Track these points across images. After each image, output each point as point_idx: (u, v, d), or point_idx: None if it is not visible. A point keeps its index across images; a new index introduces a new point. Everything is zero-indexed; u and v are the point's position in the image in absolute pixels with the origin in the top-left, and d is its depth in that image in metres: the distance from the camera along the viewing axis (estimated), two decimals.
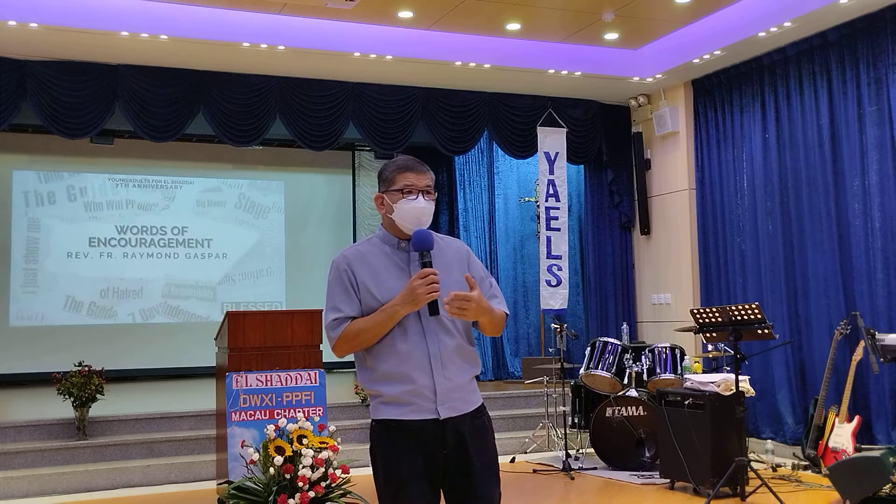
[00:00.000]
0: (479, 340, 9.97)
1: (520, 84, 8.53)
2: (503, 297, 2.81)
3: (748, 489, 5.61)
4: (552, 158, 8.86)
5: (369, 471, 2.74)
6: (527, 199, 9.99)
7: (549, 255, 8.83)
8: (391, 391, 2.59)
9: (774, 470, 6.49)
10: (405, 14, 7.24)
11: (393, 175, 2.68)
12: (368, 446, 2.73)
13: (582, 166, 9.55)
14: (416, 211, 2.63)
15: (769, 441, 7.06)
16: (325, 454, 4.88)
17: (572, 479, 6.46)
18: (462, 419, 2.61)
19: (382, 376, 2.61)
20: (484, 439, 2.66)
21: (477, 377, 2.75)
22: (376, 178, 2.79)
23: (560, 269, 8.82)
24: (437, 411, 2.56)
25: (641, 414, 6.67)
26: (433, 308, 2.53)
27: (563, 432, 7.01)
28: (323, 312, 2.72)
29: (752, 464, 5.68)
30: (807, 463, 6.34)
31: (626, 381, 6.91)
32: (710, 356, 6.89)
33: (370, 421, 2.70)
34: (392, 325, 2.57)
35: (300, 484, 4.73)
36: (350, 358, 2.84)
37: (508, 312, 2.74)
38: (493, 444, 2.70)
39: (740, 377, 5.70)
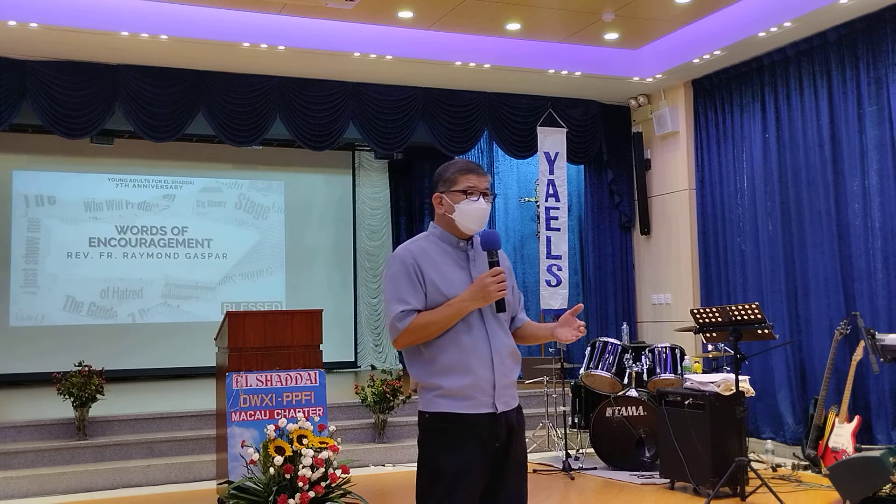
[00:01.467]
0: None
1: (520, 84, 8.53)
2: None
3: (748, 489, 5.61)
4: (552, 158, 8.86)
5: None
6: (527, 199, 9.99)
7: (549, 255, 8.83)
8: (452, 384, 2.63)
9: (774, 470, 6.49)
10: (405, 14, 7.24)
11: (455, 176, 2.74)
12: (416, 439, 2.76)
13: (582, 166, 9.55)
14: (479, 212, 2.72)
15: (769, 441, 7.05)
16: (325, 454, 4.88)
17: (572, 479, 6.46)
18: (512, 413, 2.72)
19: (443, 368, 2.64)
20: (523, 435, 2.80)
21: None
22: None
23: (560, 269, 8.83)
24: (494, 405, 2.65)
25: (641, 414, 6.67)
26: (500, 305, 2.65)
27: (563, 432, 7.01)
28: (387, 303, 2.74)
29: (752, 464, 5.68)
30: (807, 463, 6.34)
31: (626, 381, 6.91)
32: (710, 356, 6.89)
33: (420, 413, 2.72)
34: (458, 319, 2.63)
35: (300, 484, 4.73)
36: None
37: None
38: (525, 440, 2.85)
39: (740, 377, 5.70)
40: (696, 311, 5.92)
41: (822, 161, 7.08)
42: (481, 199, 2.72)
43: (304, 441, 4.90)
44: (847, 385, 6.11)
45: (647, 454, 6.64)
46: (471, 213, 2.71)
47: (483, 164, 10.28)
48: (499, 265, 2.66)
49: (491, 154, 10.26)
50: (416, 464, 2.74)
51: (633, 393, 6.75)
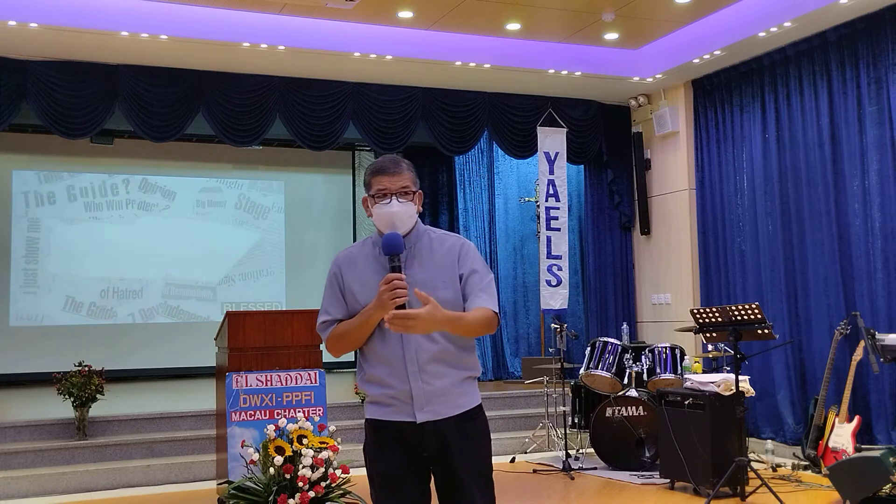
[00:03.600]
0: (479, 340, 9.95)
1: (520, 84, 8.53)
2: (496, 294, 2.70)
3: (748, 489, 5.61)
4: (552, 158, 8.86)
5: None
6: (527, 199, 9.99)
7: (549, 255, 8.83)
8: (375, 392, 2.63)
9: (774, 470, 6.49)
10: (405, 14, 7.24)
11: (368, 179, 2.65)
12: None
13: (582, 166, 9.55)
14: (388, 215, 2.59)
15: (769, 441, 7.06)
16: (325, 454, 4.88)
17: (572, 479, 6.46)
18: (445, 423, 2.57)
19: (368, 378, 2.65)
20: (472, 445, 2.62)
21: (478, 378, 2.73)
22: None
23: (560, 269, 8.83)
24: (414, 415, 2.56)
25: (641, 414, 6.67)
26: None
27: (563, 432, 7.01)
28: None
29: (752, 464, 5.68)
30: (807, 463, 6.34)
31: (626, 381, 6.91)
32: (710, 356, 6.89)
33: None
34: (369, 328, 2.56)
35: (300, 484, 4.73)
36: (350, 358, 2.88)
37: (496, 311, 2.63)
38: (484, 449, 2.66)
39: (740, 377, 5.70)
40: (696, 311, 5.92)
41: (822, 161, 7.08)
42: (394, 200, 2.58)
43: (304, 441, 4.90)
44: (847, 385, 6.11)
45: (647, 454, 6.64)
46: (382, 217, 2.60)
47: (483, 164, 10.28)
48: (400, 270, 2.48)
49: (491, 154, 10.26)
50: None
51: (633, 393, 6.75)
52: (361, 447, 2.75)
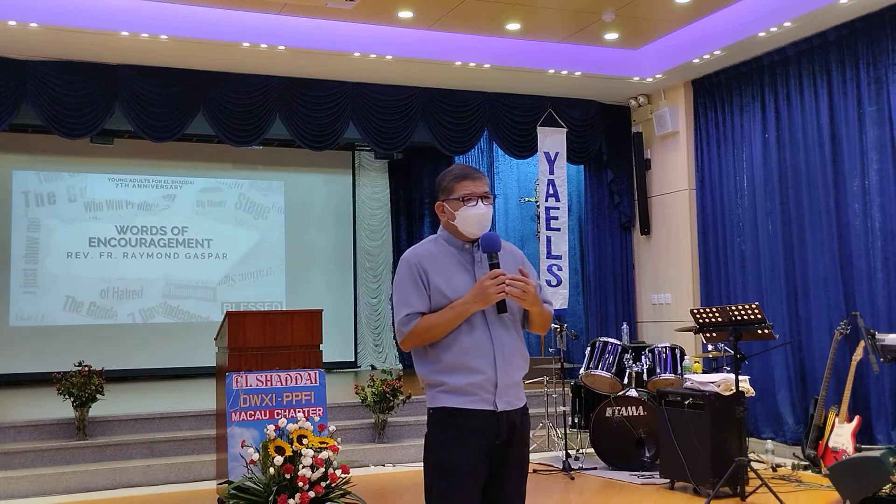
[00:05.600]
0: None
1: (520, 84, 8.53)
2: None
3: (748, 489, 5.61)
4: (552, 158, 8.86)
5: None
6: (527, 199, 9.99)
7: (549, 255, 8.83)
8: (455, 381, 2.71)
9: (774, 470, 6.49)
10: (405, 14, 7.24)
11: (451, 184, 2.83)
12: (424, 435, 2.82)
13: (582, 166, 9.55)
14: (478, 217, 2.78)
15: (769, 441, 7.05)
16: (325, 454, 4.88)
17: (572, 479, 6.46)
18: (515, 413, 2.76)
19: (446, 367, 2.72)
20: (526, 436, 2.83)
21: None
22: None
23: (560, 269, 8.83)
24: (495, 403, 2.71)
25: (641, 414, 6.67)
26: (501, 307, 2.70)
27: (563, 432, 7.01)
28: (393, 307, 2.86)
29: (752, 464, 5.67)
30: (807, 463, 6.34)
31: (626, 381, 6.91)
32: (710, 356, 6.89)
33: (427, 410, 2.81)
34: (461, 321, 2.70)
35: (300, 484, 4.73)
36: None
37: (553, 314, 2.85)
38: (528, 443, 2.88)
39: (740, 377, 5.70)
40: (696, 311, 5.92)
41: (822, 161, 7.08)
42: (480, 202, 2.78)
43: (304, 441, 4.90)
44: (847, 385, 6.11)
45: (647, 454, 6.64)
46: (471, 219, 2.78)
47: (483, 164, 10.29)
48: (499, 267, 2.70)
49: (491, 154, 10.26)
50: (415, 464, 2.79)
51: (633, 393, 6.75)
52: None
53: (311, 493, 4.75)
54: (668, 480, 6.10)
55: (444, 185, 2.84)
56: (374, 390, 7.05)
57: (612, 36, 7.90)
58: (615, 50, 8.31)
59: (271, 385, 5.50)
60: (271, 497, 4.74)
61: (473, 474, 2.68)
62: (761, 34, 7.12)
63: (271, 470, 4.78)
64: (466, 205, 2.78)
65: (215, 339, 6.15)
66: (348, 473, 4.97)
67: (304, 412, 5.40)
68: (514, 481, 2.76)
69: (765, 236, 7.61)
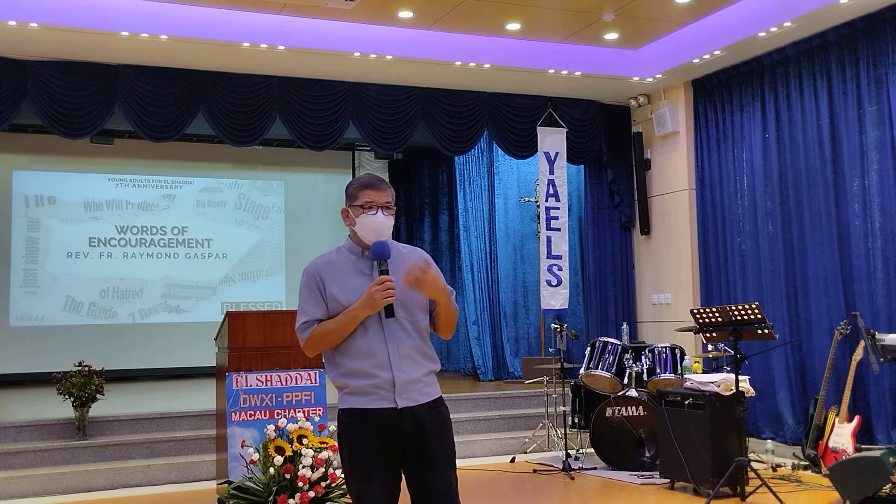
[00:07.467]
0: (478, 340, 9.98)
1: (520, 84, 8.53)
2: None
3: (748, 489, 5.62)
4: (552, 158, 8.86)
5: None
6: (527, 199, 9.99)
7: (549, 255, 8.83)
8: (355, 383, 2.87)
9: (774, 470, 6.49)
10: (405, 14, 7.24)
11: (356, 191, 2.96)
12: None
13: (582, 166, 9.55)
14: (375, 224, 2.91)
15: (769, 441, 7.06)
16: (325, 454, 4.89)
17: (572, 479, 6.46)
18: (419, 409, 2.85)
19: (348, 371, 2.89)
20: (442, 428, 2.91)
21: (437, 372, 2.99)
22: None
23: (560, 269, 8.83)
24: (395, 401, 2.83)
25: (641, 414, 6.67)
26: (389, 311, 2.82)
27: (563, 432, 7.01)
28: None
29: (752, 464, 5.67)
30: (807, 463, 6.34)
31: (626, 381, 6.91)
32: (710, 356, 6.89)
33: (338, 412, 2.97)
34: (354, 326, 2.84)
35: (300, 484, 4.73)
36: None
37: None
38: (450, 433, 2.96)
39: (740, 377, 5.70)
40: (696, 311, 5.92)
41: (822, 161, 7.08)
42: (380, 212, 2.91)
43: (304, 441, 4.91)
44: (847, 385, 6.11)
45: (647, 454, 6.64)
46: (369, 226, 2.91)
47: (483, 164, 10.29)
48: (388, 273, 2.82)
49: (491, 154, 10.26)
50: None
51: (633, 393, 6.75)
52: (338, 439, 2.95)
53: (311, 493, 4.75)
54: (668, 480, 6.11)
55: (350, 191, 2.97)
56: None
57: (611, 36, 7.90)
58: (615, 50, 8.31)
59: (271, 385, 5.50)
60: (271, 497, 4.74)
61: (382, 470, 2.81)
62: (761, 34, 7.12)
63: (271, 470, 4.78)
64: (367, 212, 2.91)
65: (215, 339, 6.15)
66: None
67: (304, 412, 5.40)
68: (440, 473, 2.85)
69: (765, 236, 7.61)
